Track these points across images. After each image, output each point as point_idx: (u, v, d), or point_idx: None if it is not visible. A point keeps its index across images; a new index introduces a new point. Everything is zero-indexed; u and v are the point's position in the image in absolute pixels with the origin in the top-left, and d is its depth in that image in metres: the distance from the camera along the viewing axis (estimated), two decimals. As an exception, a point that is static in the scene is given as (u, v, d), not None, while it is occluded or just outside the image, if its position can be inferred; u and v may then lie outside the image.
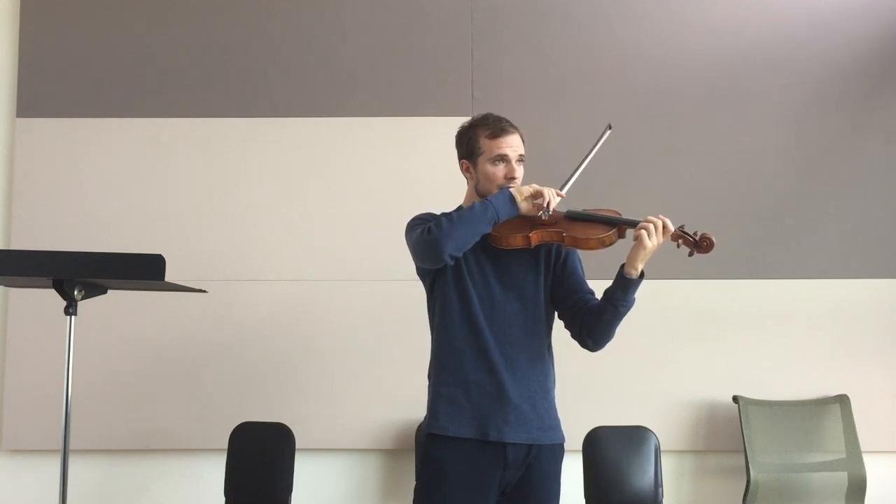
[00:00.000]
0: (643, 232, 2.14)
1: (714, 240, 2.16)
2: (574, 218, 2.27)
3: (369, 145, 3.42)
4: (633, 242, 2.17)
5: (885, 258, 3.36)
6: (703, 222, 3.30)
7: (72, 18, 3.48)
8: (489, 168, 2.30)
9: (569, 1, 3.48)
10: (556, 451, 2.30)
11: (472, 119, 2.37)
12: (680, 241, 2.20)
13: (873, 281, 3.34)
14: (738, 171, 3.40)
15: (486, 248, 2.26)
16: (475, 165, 2.32)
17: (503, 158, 2.29)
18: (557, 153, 3.36)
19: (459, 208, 2.37)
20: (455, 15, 3.47)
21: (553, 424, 2.29)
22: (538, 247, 2.27)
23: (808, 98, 3.43)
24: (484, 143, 2.30)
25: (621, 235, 2.24)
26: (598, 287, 2.32)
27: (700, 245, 2.16)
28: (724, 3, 3.47)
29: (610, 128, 2.27)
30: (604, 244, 2.21)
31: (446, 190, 3.29)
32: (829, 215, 3.38)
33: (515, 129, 2.33)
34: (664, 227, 2.15)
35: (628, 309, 2.24)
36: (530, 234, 2.22)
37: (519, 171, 2.30)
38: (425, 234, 2.18)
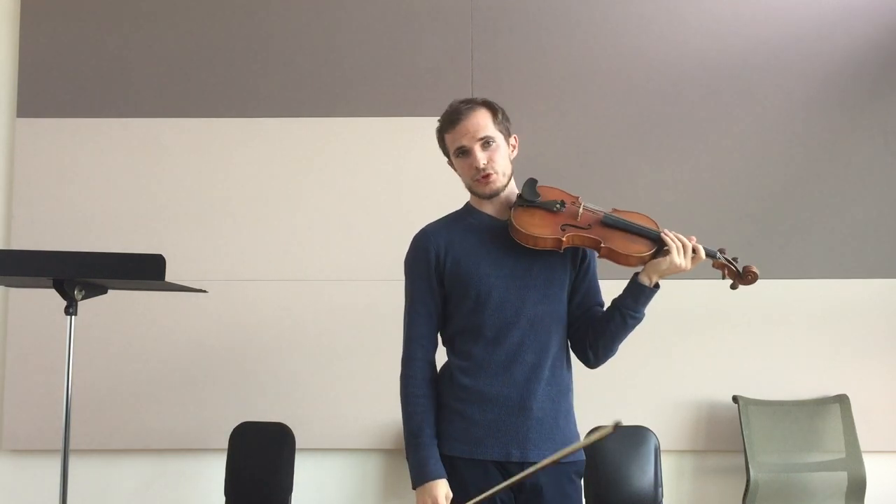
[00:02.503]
0: (673, 248, 2.04)
1: (757, 272, 2.12)
2: (611, 225, 2.09)
3: (369, 145, 3.42)
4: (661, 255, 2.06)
5: (885, 258, 3.35)
6: (703, 222, 3.35)
7: (72, 18, 3.48)
8: (457, 163, 2.15)
9: (569, 1, 3.49)
10: (578, 468, 2.15)
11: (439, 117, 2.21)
12: (725, 270, 2.15)
13: (873, 281, 3.34)
14: (737, 170, 3.40)
15: (509, 244, 2.10)
16: (452, 164, 2.19)
17: (462, 150, 2.11)
18: (557, 153, 3.39)
19: (467, 210, 2.22)
20: (455, 15, 3.47)
21: (574, 438, 2.15)
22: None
23: (807, 98, 3.43)
24: (446, 139, 2.15)
25: (659, 253, 2.07)
26: (606, 287, 2.25)
27: (744, 277, 2.13)
28: (724, 3, 3.47)
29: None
30: (643, 262, 2.07)
31: (445, 190, 3.30)
32: (829, 215, 3.38)
33: (474, 106, 2.11)
34: (695, 252, 2.07)
35: (637, 322, 2.11)
36: (563, 238, 2.05)
37: (484, 157, 2.08)
38: (401, 369, 2.14)
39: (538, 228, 2.07)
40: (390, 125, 3.42)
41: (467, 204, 2.24)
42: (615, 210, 2.15)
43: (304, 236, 3.38)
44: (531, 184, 2.13)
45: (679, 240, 2.07)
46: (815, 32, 3.45)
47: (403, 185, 3.39)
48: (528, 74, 3.43)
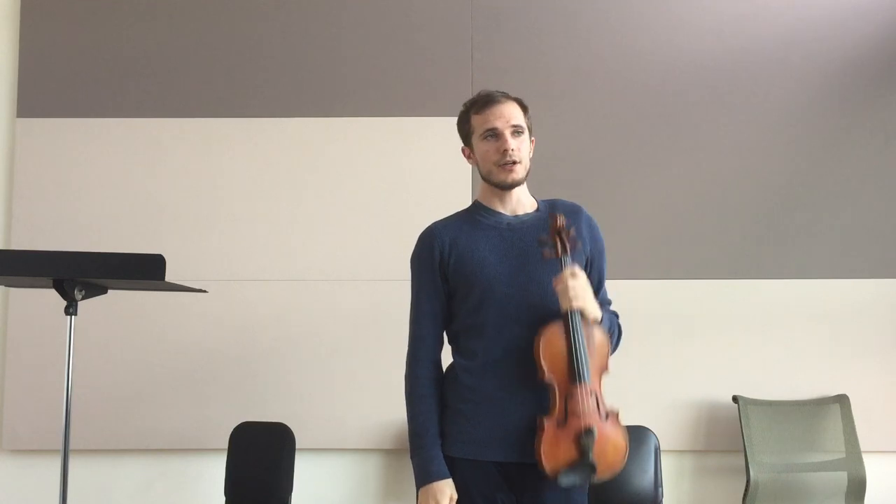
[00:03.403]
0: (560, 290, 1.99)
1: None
2: (583, 377, 1.98)
3: (369, 145, 3.42)
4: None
5: (885, 258, 3.35)
6: (703, 222, 3.36)
7: (72, 18, 3.48)
8: (482, 146, 2.10)
9: (569, 1, 3.49)
10: None
11: (466, 101, 2.20)
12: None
13: (873, 281, 3.34)
14: (738, 171, 3.40)
15: (515, 241, 2.09)
16: (472, 148, 2.15)
17: (493, 132, 2.08)
18: (558, 153, 3.39)
19: (475, 207, 2.19)
20: (455, 15, 3.47)
21: None
22: (573, 241, 2.06)
23: (807, 98, 3.43)
24: (474, 119, 2.12)
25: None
26: (616, 287, 2.27)
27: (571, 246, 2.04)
28: (724, 3, 3.47)
29: None
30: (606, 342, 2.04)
31: (446, 190, 3.31)
32: (829, 215, 3.38)
33: (508, 97, 2.12)
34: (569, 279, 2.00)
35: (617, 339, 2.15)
36: (624, 440, 2.00)
37: (514, 143, 2.07)
38: (406, 368, 2.13)
39: (620, 451, 2.01)
40: (390, 125, 3.42)
41: (476, 201, 2.22)
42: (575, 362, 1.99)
43: (305, 236, 3.38)
44: (581, 473, 1.96)
45: (564, 282, 1.99)
46: (815, 32, 3.45)
47: (403, 185, 3.39)
48: (528, 74, 3.42)
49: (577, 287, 1.99)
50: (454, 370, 2.14)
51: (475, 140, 2.13)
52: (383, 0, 3.49)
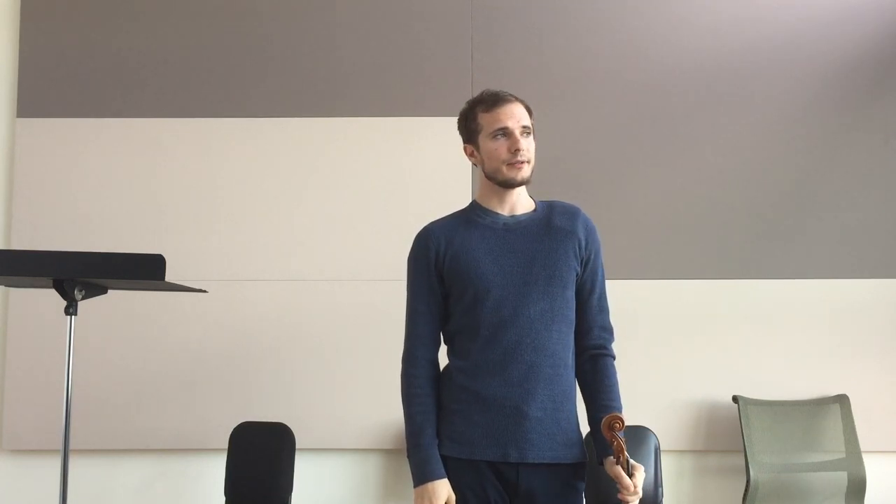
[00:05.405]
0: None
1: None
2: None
3: (369, 145, 3.42)
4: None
5: (885, 258, 3.35)
6: (703, 222, 3.36)
7: (72, 18, 3.48)
8: (490, 145, 2.09)
9: (569, 1, 3.49)
10: (579, 471, 2.13)
11: (470, 99, 2.19)
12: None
13: (873, 281, 3.34)
14: (738, 171, 3.40)
15: (510, 241, 2.11)
16: (478, 146, 2.13)
17: (503, 131, 2.08)
18: (558, 153, 3.39)
19: (472, 207, 2.20)
20: (455, 15, 3.47)
21: (577, 440, 2.12)
22: (570, 236, 2.11)
23: (807, 98, 3.43)
24: (482, 118, 2.11)
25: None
26: (616, 287, 2.26)
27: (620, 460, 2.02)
28: (724, 2, 3.47)
29: None
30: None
31: (446, 190, 3.31)
32: (829, 215, 3.38)
33: (516, 98, 2.13)
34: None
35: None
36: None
37: (525, 144, 2.08)
38: (402, 367, 2.14)
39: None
40: (390, 125, 3.42)
41: (473, 201, 2.22)
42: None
43: (304, 236, 3.39)
44: None
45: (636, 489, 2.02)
46: (815, 32, 3.45)
47: (403, 185, 3.39)
48: (528, 74, 3.42)
49: (641, 485, 2.02)
50: (449, 370, 2.15)
51: (482, 138, 2.12)
52: (383, 0, 3.49)
